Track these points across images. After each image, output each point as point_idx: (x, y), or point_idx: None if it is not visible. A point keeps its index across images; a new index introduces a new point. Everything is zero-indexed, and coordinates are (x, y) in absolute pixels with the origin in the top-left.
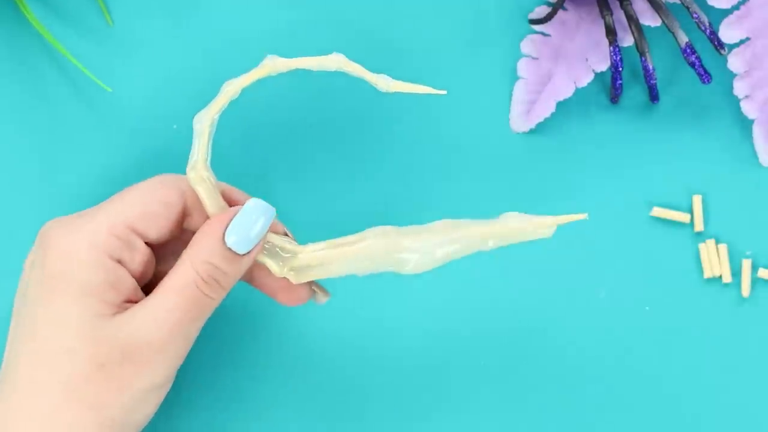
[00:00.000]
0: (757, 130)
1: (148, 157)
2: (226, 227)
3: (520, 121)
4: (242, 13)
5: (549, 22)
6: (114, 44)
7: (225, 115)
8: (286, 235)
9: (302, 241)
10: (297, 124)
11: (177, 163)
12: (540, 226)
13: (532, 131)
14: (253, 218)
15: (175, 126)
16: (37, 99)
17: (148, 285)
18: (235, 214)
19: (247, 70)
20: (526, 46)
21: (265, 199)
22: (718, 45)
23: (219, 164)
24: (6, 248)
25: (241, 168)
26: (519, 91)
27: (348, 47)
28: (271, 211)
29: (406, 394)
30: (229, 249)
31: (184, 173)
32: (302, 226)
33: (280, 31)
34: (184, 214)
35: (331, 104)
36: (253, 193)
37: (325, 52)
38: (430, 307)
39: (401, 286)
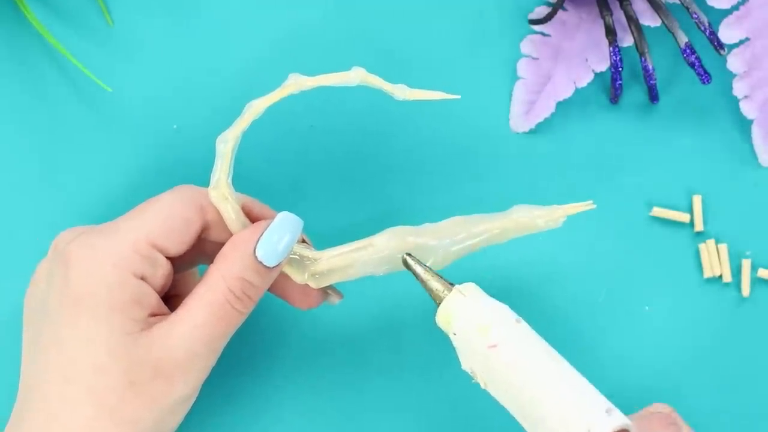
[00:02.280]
0: (756, 130)
1: (149, 157)
2: (257, 242)
3: (520, 121)
4: (242, 13)
5: (549, 22)
6: (114, 44)
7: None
8: (304, 242)
9: (317, 246)
10: (300, 132)
11: (177, 162)
12: (550, 217)
13: (532, 131)
14: (282, 231)
15: (175, 126)
16: (37, 99)
17: (166, 294)
18: (264, 229)
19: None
20: (526, 46)
21: (274, 206)
22: (718, 45)
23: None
24: (7, 248)
25: (253, 177)
26: (519, 91)
27: (348, 48)
28: (299, 223)
29: (406, 392)
30: (260, 263)
31: (185, 173)
32: (312, 233)
33: (280, 31)
34: (203, 228)
35: (331, 106)
36: (264, 200)
37: (324, 51)
38: (430, 306)
39: (401, 284)
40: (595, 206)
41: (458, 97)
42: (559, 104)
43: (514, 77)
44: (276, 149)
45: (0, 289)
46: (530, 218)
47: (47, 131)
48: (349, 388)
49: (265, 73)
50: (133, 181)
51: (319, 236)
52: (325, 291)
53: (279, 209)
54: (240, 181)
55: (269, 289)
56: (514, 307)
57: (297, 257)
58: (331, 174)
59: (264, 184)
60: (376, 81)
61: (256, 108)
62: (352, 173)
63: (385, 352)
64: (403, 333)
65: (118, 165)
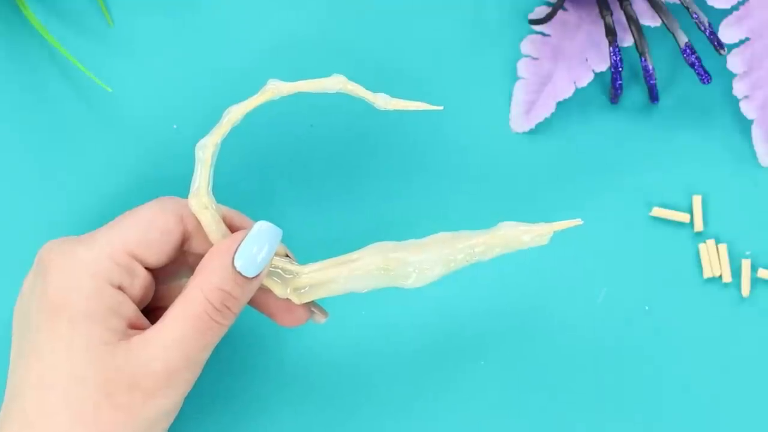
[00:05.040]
0: (756, 130)
1: (148, 157)
2: (235, 252)
3: (520, 121)
4: (242, 13)
5: (549, 23)
6: (114, 44)
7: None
8: (287, 256)
9: (305, 259)
10: (295, 132)
11: (177, 163)
12: (536, 233)
13: (532, 131)
14: (261, 241)
15: (175, 126)
16: (37, 99)
17: (147, 307)
18: (242, 239)
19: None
20: (526, 46)
21: (262, 217)
22: (718, 45)
23: (216, 184)
24: (6, 248)
25: (239, 187)
26: (519, 91)
27: (348, 47)
28: (278, 232)
29: (405, 394)
30: (239, 273)
31: (185, 173)
32: (304, 243)
33: (281, 31)
34: (183, 239)
35: (330, 107)
36: (252, 213)
37: (324, 51)
38: (430, 308)
39: (389, 303)
40: (582, 223)
41: (440, 108)
42: (559, 104)
43: (514, 77)
44: (270, 161)
45: (0, 290)
46: (516, 235)
47: (47, 131)
48: (345, 390)
49: (265, 74)
50: (134, 181)
51: (316, 241)
52: (310, 309)
53: (273, 222)
54: (230, 195)
55: (253, 305)
56: (513, 306)
57: (279, 271)
58: (329, 176)
59: (255, 195)
60: (356, 89)
61: (235, 114)
62: (348, 174)
63: (374, 372)
64: (399, 334)
65: (118, 165)
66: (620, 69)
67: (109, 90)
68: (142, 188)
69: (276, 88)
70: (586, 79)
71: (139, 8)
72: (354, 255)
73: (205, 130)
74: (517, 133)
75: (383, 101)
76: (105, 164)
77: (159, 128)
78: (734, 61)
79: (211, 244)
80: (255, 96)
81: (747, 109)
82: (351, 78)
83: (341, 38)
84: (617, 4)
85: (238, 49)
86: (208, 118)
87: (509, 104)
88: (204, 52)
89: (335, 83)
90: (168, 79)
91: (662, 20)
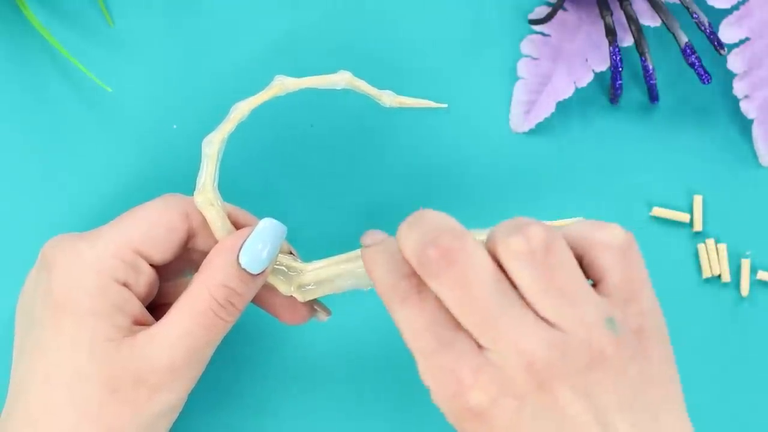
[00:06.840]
0: (756, 130)
1: (148, 157)
2: (240, 249)
3: (520, 121)
4: (242, 13)
5: (549, 23)
6: (114, 44)
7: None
8: (291, 253)
9: (309, 256)
10: (295, 132)
11: (177, 163)
12: None
13: (532, 131)
14: (265, 238)
15: (175, 126)
16: (37, 99)
17: (151, 303)
18: (247, 236)
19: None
20: (526, 46)
21: (267, 215)
22: (718, 45)
23: (221, 181)
24: (7, 248)
25: (243, 184)
26: (519, 91)
27: (348, 47)
28: (283, 229)
29: (406, 393)
30: (244, 270)
31: (185, 173)
32: (308, 241)
33: (281, 31)
34: (188, 236)
35: (329, 108)
36: (256, 211)
37: (324, 51)
38: None
39: None
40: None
41: (445, 106)
42: (559, 104)
43: (514, 77)
44: (271, 152)
45: (0, 290)
46: None
47: (47, 131)
48: (340, 407)
49: (265, 74)
50: (134, 181)
51: (320, 239)
52: (313, 307)
53: (275, 216)
54: (234, 192)
55: (257, 303)
56: None
57: (283, 268)
58: (330, 176)
59: (258, 193)
60: (362, 85)
61: (241, 110)
62: (352, 173)
63: (376, 370)
64: (393, 352)
65: (118, 165)
66: (620, 69)
67: (109, 90)
68: (143, 188)
69: (282, 84)
70: (586, 79)
71: (139, 8)
72: (358, 253)
73: (205, 130)
74: (517, 133)
75: (388, 98)
76: (105, 164)
77: (159, 128)
78: (734, 61)
79: (215, 241)
80: (261, 92)
81: (747, 109)
82: None
83: (341, 39)
84: (617, 4)
85: (238, 48)
86: (208, 118)
87: (509, 104)
88: (204, 52)
89: (342, 79)
90: (168, 79)
91: (662, 20)
